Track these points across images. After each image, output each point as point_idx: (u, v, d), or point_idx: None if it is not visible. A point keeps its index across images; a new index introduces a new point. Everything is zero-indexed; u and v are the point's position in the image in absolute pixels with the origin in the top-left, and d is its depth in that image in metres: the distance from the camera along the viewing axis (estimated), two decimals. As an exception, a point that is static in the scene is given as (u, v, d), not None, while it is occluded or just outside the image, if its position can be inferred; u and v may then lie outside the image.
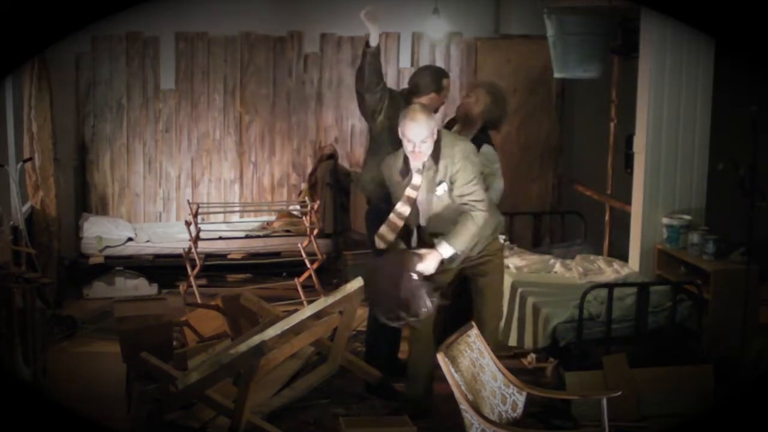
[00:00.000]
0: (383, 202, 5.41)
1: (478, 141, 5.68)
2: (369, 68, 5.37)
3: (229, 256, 7.80)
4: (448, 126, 6.06)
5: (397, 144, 5.29)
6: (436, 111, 5.56)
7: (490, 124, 5.78)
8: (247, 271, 8.07)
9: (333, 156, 8.07)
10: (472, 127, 5.74)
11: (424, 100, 5.47)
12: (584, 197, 7.98)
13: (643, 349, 5.47)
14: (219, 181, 8.53)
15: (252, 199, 8.56)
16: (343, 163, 8.40)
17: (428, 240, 5.13)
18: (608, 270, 6.24)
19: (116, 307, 5.46)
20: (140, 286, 7.68)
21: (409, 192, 5.03)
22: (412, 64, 8.59)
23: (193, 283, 7.22)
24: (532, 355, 5.97)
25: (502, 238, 5.62)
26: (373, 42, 5.35)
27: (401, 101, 5.50)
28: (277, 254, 7.76)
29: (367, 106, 5.49)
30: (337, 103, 8.55)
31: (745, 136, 4.90)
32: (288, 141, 8.55)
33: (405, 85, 8.45)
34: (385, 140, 5.44)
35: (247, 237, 7.97)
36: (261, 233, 8.02)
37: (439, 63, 8.56)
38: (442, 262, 4.96)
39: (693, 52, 6.20)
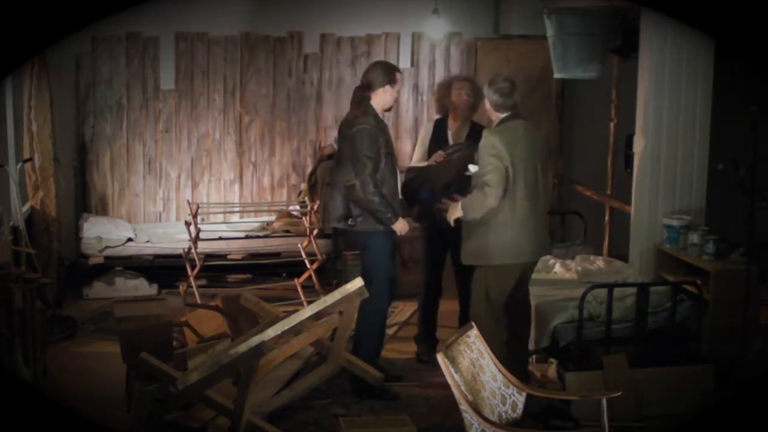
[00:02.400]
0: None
1: (478, 132, 5.94)
2: None
3: (228, 257, 7.80)
4: (442, 122, 6.15)
5: (389, 167, 5.51)
6: (389, 109, 5.63)
7: (476, 109, 6.15)
8: (246, 271, 8.07)
9: (333, 156, 8.06)
10: (470, 119, 6.10)
11: (378, 94, 5.52)
12: (584, 197, 7.98)
13: (643, 349, 5.47)
14: (219, 181, 8.53)
15: (252, 200, 8.56)
16: (343, 163, 8.40)
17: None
18: (608, 270, 6.23)
19: (116, 307, 5.46)
20: (140, 287, 7.68)
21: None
22: (412, 64, 8.59)
23: (192, 284, 7.23)
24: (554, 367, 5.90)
25: None
26: None
27: (378, 126, 5.55)
28: (277, 254, 7.77)
29: None
30: (337, 103, 8.55)
31: (745, 136, 4.90)
32: (288, 141, 8.55)
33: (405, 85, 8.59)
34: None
35: (246, 237, 7.97)
36: (261, 233, 8.02)
37: (439, 63, 8.58)
38: None
39: (693, 52, 6.20)
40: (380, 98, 5.54)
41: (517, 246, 5.25)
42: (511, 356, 5.24)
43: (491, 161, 5.14)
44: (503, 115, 5.31)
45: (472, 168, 5.31)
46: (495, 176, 5.11)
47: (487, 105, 5.34)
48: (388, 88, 5.52)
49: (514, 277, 5.32)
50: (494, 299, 5.30)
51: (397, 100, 5.68)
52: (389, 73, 5.55)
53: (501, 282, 5.30)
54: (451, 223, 5.41)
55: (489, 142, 5.19)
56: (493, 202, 5.12)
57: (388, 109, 5.64)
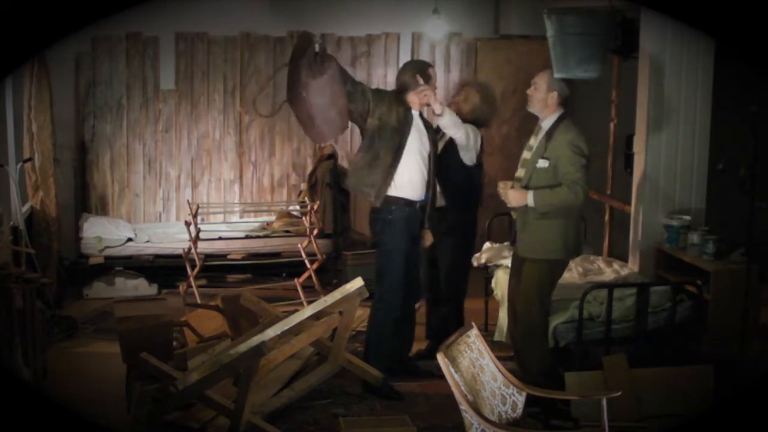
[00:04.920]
0: (393, 206, 5.56)
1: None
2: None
3: (229, 257, 7.80)
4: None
5: (389, 143, 5.37)
6: (429, 104, 5.64)
7: (480, 122, 6.01)
8: (247, 271, 8.07)
9: (333, 156, 8.07)
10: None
11: (414, 94, 5.58)
12: (584, 197, 7.97)
13: (643, 349, 5.47)
14: (219, 181, 8.53)
15: (252, 200, 8.56)
16: (343, 163, 8.39)
17: None
18: (608, 270, 6.24)
19: (116, 307, 5.46)
20: (140, 287, 7.68)
21: (524, 154, 5.34)
22: (412, 65, 8.58)
23: (192, 284, 7.22)
24: None
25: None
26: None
27: (392, 100, 5.53)
28: (277, 254, 7.77)
29: (353, 113, 5.53)
30: (337, 103, 8.54)
31: (745, 136, 4.90)
32: (288, 141, 8.55)
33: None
34: (375, 141, 5.50)
35: (246, 237, 7.97)
36: (261, 233, 8.02)
37: (439, 63, 8.57)
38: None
39: (693, 52, 6.20)
40: (416, 96, 5.62)
41: (576, 240, 5.36)
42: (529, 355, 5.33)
43: (579, 160, 5.16)
44: (563, 110, 5.30)
45: (542, 162, 5.24)
46: (584, 176, 5.15)
47: (554, 98, 5.26)
48: (423, 86, 5.60)
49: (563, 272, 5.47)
50: (547, 293, 5.35)
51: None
52: (423, 71, 5.65)
53: (557, 276, 5.37)
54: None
55: (572, 139, 5.19)
56: (582, 201, 5.17)
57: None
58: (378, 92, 5.63)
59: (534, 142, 5.36)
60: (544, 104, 5.29)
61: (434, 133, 5.81)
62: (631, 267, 6.35)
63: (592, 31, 6.41)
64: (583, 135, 5.27)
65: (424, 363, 5.91)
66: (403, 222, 5.58)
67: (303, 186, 8.42)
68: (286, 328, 4.88)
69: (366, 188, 5.57)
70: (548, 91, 5.27)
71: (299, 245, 7.41)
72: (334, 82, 5.40)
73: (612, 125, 7.50)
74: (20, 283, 5.30)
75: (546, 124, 5.30)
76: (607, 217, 7.56)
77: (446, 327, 6.05)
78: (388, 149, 5.49)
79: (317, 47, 5.41)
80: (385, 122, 5.49)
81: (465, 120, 5.91)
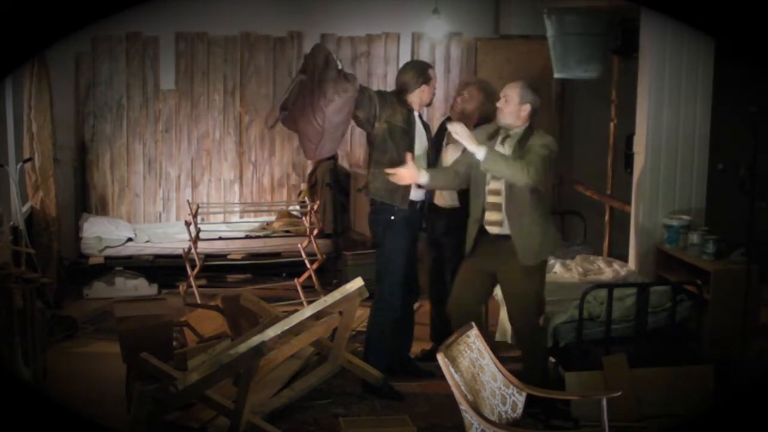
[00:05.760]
0: (395, 207, 5.53)
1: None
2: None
3: (229, 257, 7.80)
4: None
5: (401, 145, 5.38)
6: (429, 104, 5.69)
7: (484, 120, 5.89)
8: (247, 271, 8.07)
9: (333, 156, 8.07)
10: (468, 124, 5.85)
11: (415, 95, 5.56)
12: (584, 197, 7.98)
13: (643, 349, 5.47)
14: (219, 181, 8.53)
15: (252, 200, 8.56)
16: (343, 163, 8.41)
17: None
18: (608, 270, 6.24)
19: (116, 307, 5.46)
20: (140, 287, 7.68)
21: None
22: (412, 65, 8.58)
23: (192, 284, 7.23)
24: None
25: None
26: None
27: (395, 101, 5.54)
28: (277, 254, 7.77)
29: (360, 119, 5.53)
30: (337, 103, 8.53)
31: (745, 136, 4.90)
32: (288, 141, 8.55)
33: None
34: (389, 144, 5.48)
35: (246, 237, 7.97)
36: (261, 233, 8.02)
37: (439, 63, 8.57)
38: None
39: (693, 52, 6.20)
40: (417, 97, 5.62)
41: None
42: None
43: (545, 152, 5.09)
44: (530, 121, 5.23)
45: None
46: (543, 165, 5.04)
47: (527, 110, 5.18)
48: (423, 87, 5.59)
49: None
50: (542, 292, 5.34)
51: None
52: (423, 72, 5.62)
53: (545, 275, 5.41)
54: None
55: (546, 143, 5.16)
56: (528, 184, 5.02)
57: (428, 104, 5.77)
58: (381, 94, 5.62)
59: (504, 150, 5.22)
60: (515, 117, 5.17)
61: (432, 132, 5.83)
62: (631, 267, 6.35)
63: (592, 31, 6.43)
64: (556, 142, 5.29)
65: (424, 363, 5.92)
66: (404, 222, 5.59)
67: (303, 186, 8.42)
68: (286, 328, 4.88)
69: (391, 192, 5.53)
70: (521, 103, 5.15)
71: (299, 245, 7.41)
72: (352, 103, 5.39)
73: (612, 125, 7.51)
74: (20, 283, 5.30)
75: (515, 132, 5.22)
76: (607, 217, 7.57)
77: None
78: (402, 150, 5.49)
79: (339, 64, 5.39)
80: (392, 124, 5.49)
81: (471, 118, 5.91)
